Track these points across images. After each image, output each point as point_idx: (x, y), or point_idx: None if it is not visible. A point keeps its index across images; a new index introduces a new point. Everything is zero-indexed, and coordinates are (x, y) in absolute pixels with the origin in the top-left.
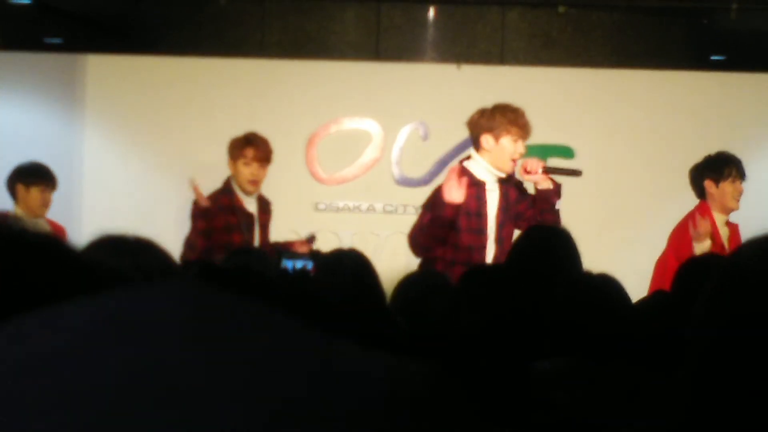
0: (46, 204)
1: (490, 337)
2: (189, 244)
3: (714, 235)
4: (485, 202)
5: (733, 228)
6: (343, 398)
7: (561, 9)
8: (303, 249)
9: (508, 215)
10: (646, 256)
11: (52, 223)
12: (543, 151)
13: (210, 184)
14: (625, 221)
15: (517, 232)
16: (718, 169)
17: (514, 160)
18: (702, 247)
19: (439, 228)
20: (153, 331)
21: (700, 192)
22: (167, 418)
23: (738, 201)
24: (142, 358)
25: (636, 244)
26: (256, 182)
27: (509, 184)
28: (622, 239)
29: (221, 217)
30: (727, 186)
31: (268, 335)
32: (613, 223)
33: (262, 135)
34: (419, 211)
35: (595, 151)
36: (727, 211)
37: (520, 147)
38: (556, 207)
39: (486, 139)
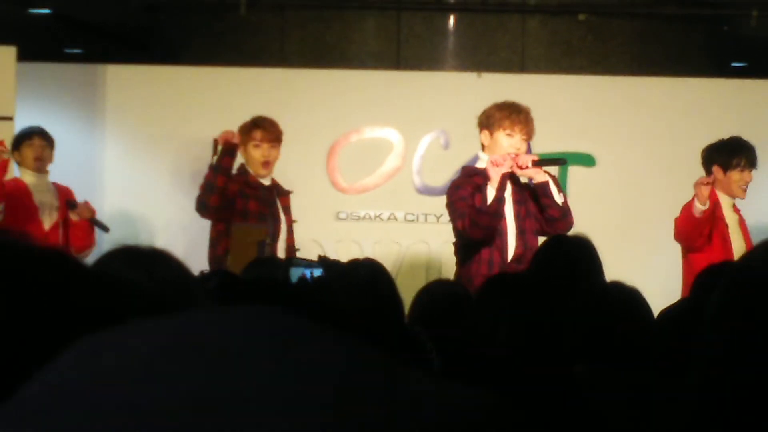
0: (39, 158)
1: (533, 347)
2: (204, 182)
3: (717, 211)
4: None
5: (738, 214)
6: (421, 424)
7: (581, 17)
8: None
9: (526, 207)
10: (667, 263)
11: (57, 186)
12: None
13: None
14: (646, 228)
15: (541, 239)
16: (727, 157)
17: (510, 155)
18: (700, 208)
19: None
20: (232, 355)
21: (709, 174)
22: None
23: (744, 190)
24: (222, 382)
25: (657, 251)
26: (267, 163)
27: (517, 180)
28: (643, 245)
29: (236, 185)
30: (734, 174)
31: (345, 361)
32: (633, 230)
33: (270, 117)
34: (440, 219)
35: (616, 159)
36: (733, 197)
37: (516, 142)
38: (558, 200)
39: (484, 135)
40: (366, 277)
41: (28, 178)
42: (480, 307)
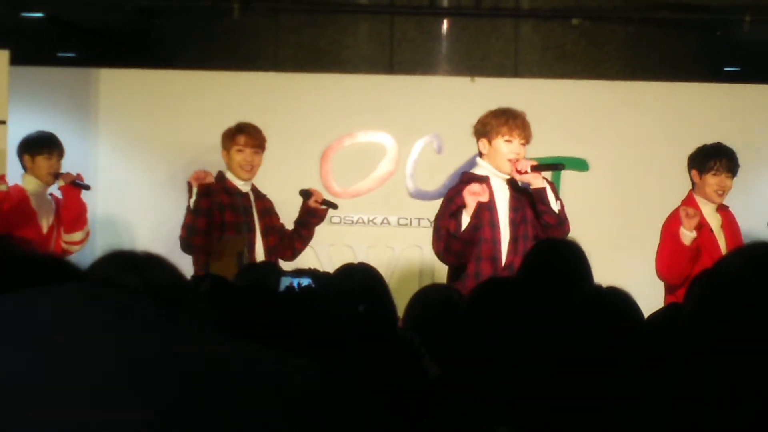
0: (53, 171)
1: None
2: (185, 225)
3: (701, 224)
4: (493, 199)
5: (725, 215)
6: (231, 394)
7: (574, 21)
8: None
9: (523, 213)
10: None
11: (57, 199)
12: None
13: None
14: (639, 232)
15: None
16: (703, 161)
17: (510, 161)
18: (689, 236)
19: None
20: (44, 333)
21: (691, 181)
22: (56, 419)
23: (720, 195)
24: (33, 359)
25: (650, 255)
26: (250, 168)
27: (516, 186)
28: (636, 250)
29: (213, 198)
30: (709, 178)
31: (159, 337)
32: (626, 234)
33: (254, 123)
34: (433, 224)
35: (609, 163)
36: (711, 202)
37: (515, 147)
38: (554, 208)
39: (483, 144)
40: (359, 282)
41: (32, 185)
42: (472, 312)
